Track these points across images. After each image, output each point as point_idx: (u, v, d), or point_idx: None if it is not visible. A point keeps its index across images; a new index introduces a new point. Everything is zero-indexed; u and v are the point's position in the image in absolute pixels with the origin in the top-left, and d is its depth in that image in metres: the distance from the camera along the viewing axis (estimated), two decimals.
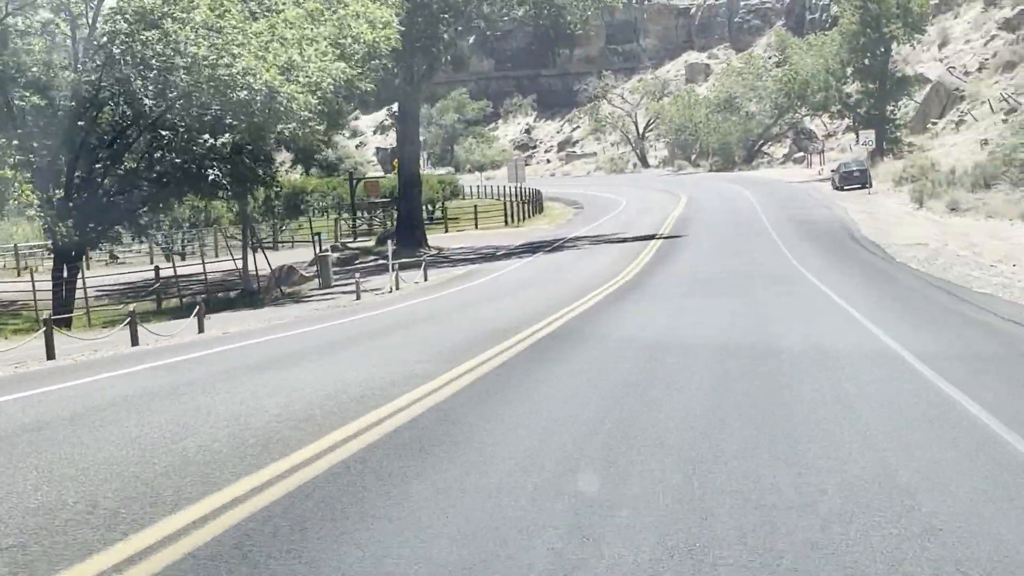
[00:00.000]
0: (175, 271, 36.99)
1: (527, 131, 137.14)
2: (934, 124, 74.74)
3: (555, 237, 44.59)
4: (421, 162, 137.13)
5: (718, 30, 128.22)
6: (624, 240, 39.40)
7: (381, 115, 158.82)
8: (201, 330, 20.14)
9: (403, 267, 35.99)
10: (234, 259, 38.08)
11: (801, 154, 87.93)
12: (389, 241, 36.69)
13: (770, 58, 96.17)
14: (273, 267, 36.78)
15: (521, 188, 71.63)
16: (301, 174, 74.14)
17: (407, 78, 44.37)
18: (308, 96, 28.23)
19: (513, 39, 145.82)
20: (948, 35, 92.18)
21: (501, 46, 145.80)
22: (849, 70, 68.87)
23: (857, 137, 69.47)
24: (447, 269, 35.16)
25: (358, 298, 26.59)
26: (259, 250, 52.07)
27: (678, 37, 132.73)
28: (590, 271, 28.53)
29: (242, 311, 27.99)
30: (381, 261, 39.21)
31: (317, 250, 40.93)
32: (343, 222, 59.88)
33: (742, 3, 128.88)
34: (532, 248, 39.93)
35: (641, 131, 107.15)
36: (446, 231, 55.28)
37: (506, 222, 57.07)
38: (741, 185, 69.12)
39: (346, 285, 32.89)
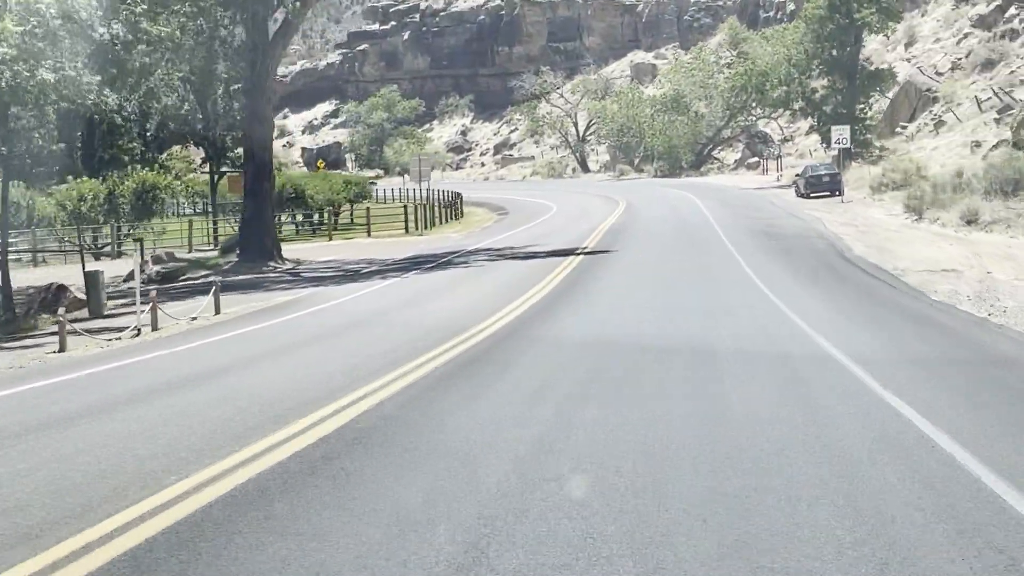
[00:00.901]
0: None
1: (463, 133, 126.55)
2: (903, 128, 65.31)
3: (453, 249, 34.06)
4: (349, 163, 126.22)
5: (666, 28, 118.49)
6: (534, 255, 28.98)
7: (312, 114, 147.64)
8: None
9: (234, 287, 25.67)
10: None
11: (755, 159, 78.18)
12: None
13: (721, 59, 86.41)
14: (43, 285, 25.98)
15: (441, 192, 61.68)
16: (219, 175, 63.20)
17: (251, 27, 33.49)
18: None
19: (451, 35, 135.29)
20: (916, 34, 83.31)
21: (437, 43, 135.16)
22: (815, 63, 59.01)
23: (827, 137, 59.60)
24: (281, 292, 24.53)
25: (61, 349, 15.92)
26: (99, 258, 42.72)
27: (624, 36, 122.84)
28: (454, 308, 18.16)
29: None
30: (214, 278, 28.53)
31: (138, 262, 29.89)
32: (211, 224, 48.99)
33: (692, 0, 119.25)
34: (413, 264, 29.40)
35: (581, 133, 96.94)
36: (330, 239, 44.53)
37: (407, 229, 46.51)
38: (689, 191, 59.06)
39: (126, 313, 22.26)
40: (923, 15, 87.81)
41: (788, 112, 63.77)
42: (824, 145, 62.61)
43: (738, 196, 52.63)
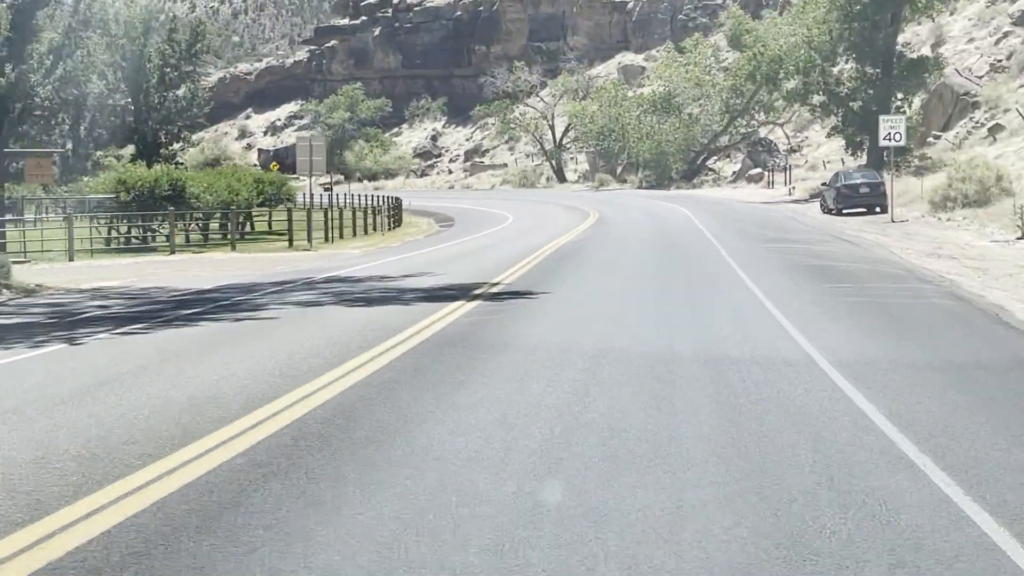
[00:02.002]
0: None
1: (433, 138, 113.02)
2: (936, 137, 52.12)
3: (297, 277, 20.43)
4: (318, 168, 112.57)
5: (658, 28, 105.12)
6: (399, 297, 15.42)
7: (276, 114, 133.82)
8: None
9: None
10: None
11: (758, 171, 64.83)
12: None
13: (720, 54, 73.14)
14: None
15: (382, 199, 49.71)
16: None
17: None
18: None
19: (425, 32, 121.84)
20: (944, 34, 70.22)
21: (410, 40, 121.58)
22: (841, 46, 45.68)
23: (853, 142, 46.35)
24: None
25: None
26: None
27: (612, 36, 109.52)
28: None
29: None
30: None
31: None
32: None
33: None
34: (178, 304, 15.87)
35: (559, 138, 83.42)
36: (171, 252, 30.79)
37: (291, 243, 32.97)
38: (680, 203, 45.70)
39: None
40: (952, 14, 74.72)
41: (807, 108, 50.19)
42: (849, 152, 49.32)
43: (746, 211, 39.25)
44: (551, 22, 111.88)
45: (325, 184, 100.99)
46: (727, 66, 69.55)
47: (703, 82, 67.36)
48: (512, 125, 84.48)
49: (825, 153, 68.28)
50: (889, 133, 31.87)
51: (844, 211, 35.46)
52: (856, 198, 35.47)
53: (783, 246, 22.45)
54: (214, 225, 41.80)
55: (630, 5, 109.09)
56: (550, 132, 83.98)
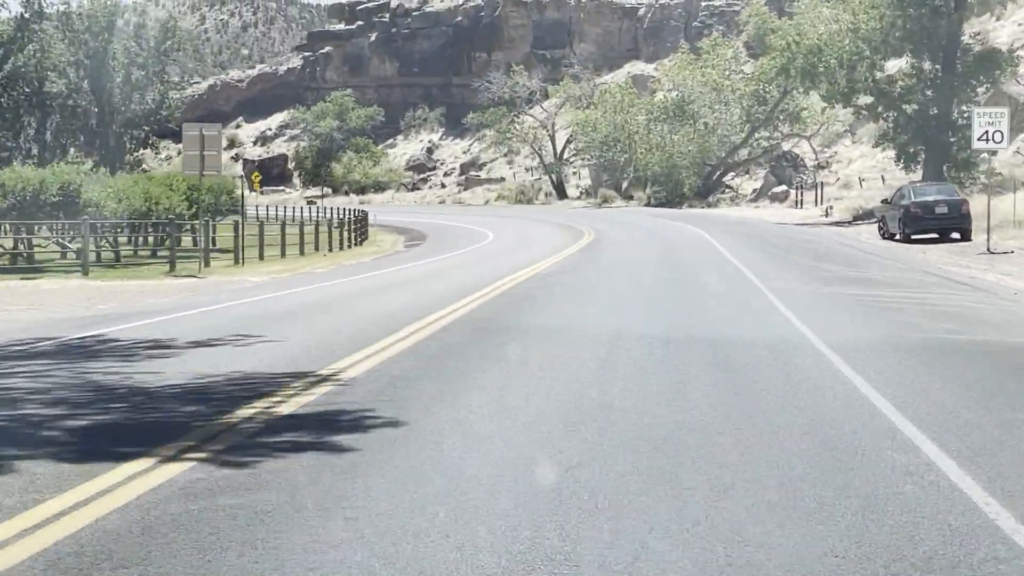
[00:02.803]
0: None
1: (429, 150, 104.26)
2: (992, 153, 43.12)
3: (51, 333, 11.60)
4: (297, 179, 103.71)
5: (671, 36, 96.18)
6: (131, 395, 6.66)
7: (267, 123, 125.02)
8: None
9: None
10: None
11: (782, 188, 55.85)
12: None
13: (740, 56, 64.41)
14: None
15: (347, 212, 41.88)
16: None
17: None
18: None
19: (424, 39, 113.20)
20: (989, 39, 61.40)
21: (408, 47, 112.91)
22: (894, 35, 36.68)
23: (906, 151, 37.54)
24: None
25: None
26: None
27: (621, 43, 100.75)
28: None
29: None
30: None
31: None
32: None
33: (703, 3, 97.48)
34: None
35: (559, 151, 74.53)
36: (31, 276, 21.88)
37: (172, 267, 24.07)
38: (695, 224, 36.80)
39: None
40: (998, 19, 65.99)
41: (840, 119, 41.12)
42: (900, 165, 40.32)
43: (781, 235, 30.22)
44: (556, 28, 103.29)
45: (309, 197, 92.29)
46: (747, 70, 60.74)
47: (721, 87, 58.49)
48: (509, 135, 75.62)
49: (858, 170, 59.37)
50: (987, 132, 22.92)
51: (913, 236, 26.53)
52: (930, 220, 26.52)
53: (872, 293, 13.50)
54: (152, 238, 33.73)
55: (641, 11, 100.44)
56: (550, 144, 75.14)
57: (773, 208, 52.97)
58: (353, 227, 40.35)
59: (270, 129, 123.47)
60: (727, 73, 59.70)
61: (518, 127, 75.77)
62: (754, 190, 59.63)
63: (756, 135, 59.42)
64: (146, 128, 60.18)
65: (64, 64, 56.77)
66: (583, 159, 70.14)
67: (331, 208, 55.08)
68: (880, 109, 39.26)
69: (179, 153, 73.00)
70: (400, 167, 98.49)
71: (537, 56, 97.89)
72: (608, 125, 60.91)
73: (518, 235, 36.80)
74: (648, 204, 59.60)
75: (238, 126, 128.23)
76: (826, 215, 40.63)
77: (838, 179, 56.00)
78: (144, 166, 65.57)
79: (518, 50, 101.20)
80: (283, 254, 30.91)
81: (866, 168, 58.81)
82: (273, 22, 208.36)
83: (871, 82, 37.26)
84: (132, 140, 61.24)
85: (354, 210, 49.41)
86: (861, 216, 36.76)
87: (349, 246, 37.32)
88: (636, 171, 61.14)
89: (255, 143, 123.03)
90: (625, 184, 64.42)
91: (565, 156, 74.75)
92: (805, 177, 57.20)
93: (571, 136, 71.99)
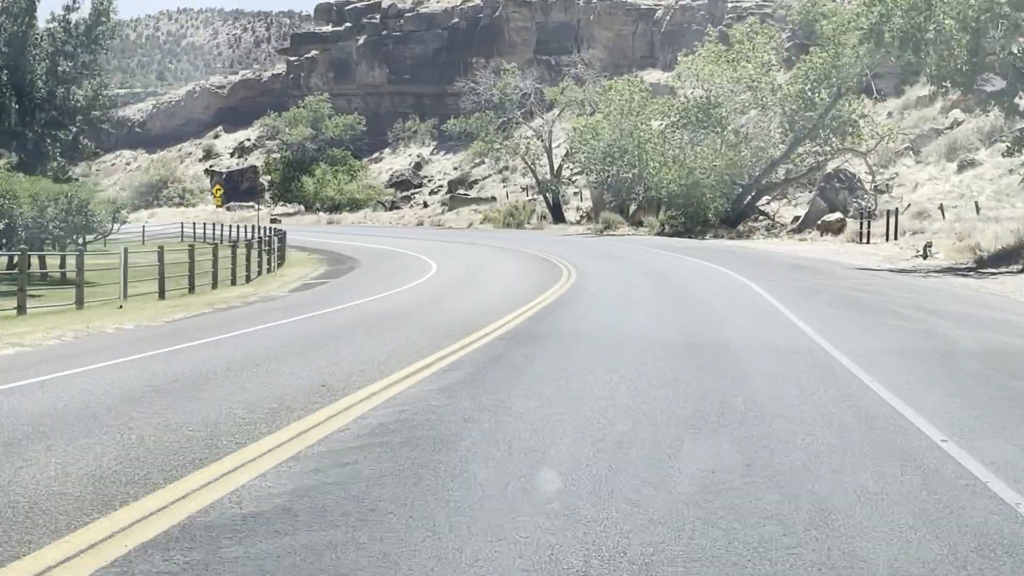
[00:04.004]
0: None
1: (416, 165, 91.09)
2: None
3: None
4: (268, 195, 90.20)
5: (691, 41, 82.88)
6: None
7: (246, 133, 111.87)
8: None
9: None
10: None
11: (836, 215, 42.27)
12: None
13: (783, 46, 51.18)
14: None
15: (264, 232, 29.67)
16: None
17: None
18: None
19: (417, 42, 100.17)
20: None
21: (399, 51, 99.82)
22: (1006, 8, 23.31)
23: None
24: None
25: None
26: None
27: (635, 50, 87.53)
28: None
29: None
30: None
31: None
32: None
33: (729, 4, 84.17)
34: None
35: (557, 166, 61.16)
36: None
37: None
38: (730, 266, 23.52)
39: None
40: None
41: (963, 97, 27.75)
42: None
43: (903, 298, 16.73)
44: (563, 32, 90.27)
45: (274, 216, 79.29)
46: (779, 79, 47.42)
47: (758, 86, 45.19)
48: (497, 146, 62.34)
49: (927, 194, 45.97)
50: None
51: None
52: None
53: None
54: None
55: (658, 13, 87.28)
56: (547, 158, 61.83)
57: (826, 242, 39.50)
58: (263, 252, 28.50)
59: (249, 140, 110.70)
60: (765, 69, 46.33)
61: (509, 137, 62.47)
62: (796, 218, 46.11)
63: (800, 148, 46.06)
64: (74, 129, 47.51)
65: None
66: (584, 174, 56.63)
67: (258, 228, 42.22)
68: (984, 102, 25.79)
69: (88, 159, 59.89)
70: (381, 183, 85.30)
71: (541, 62, 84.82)
72: (613, 131, 47.57)
73: (468, 273, 23.61)
74: (662, 232, 46.19)
75: (216, 136, 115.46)
76: (924, 256, 27.13)
77: (909, 206, 42.45)
78: (72, 175, 52.28)
79: (520, 55, 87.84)
80: (161, 292, 18.23)
81: (938, 193, 45.37)
82: (286, 38, 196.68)
83: (1009, 55, 23.80)
84: (55, 142, 48.38)
85: (267, 229, 36.67)
86: (991, 260, 23.34)
87: (249, 277, 25.04)
88: (647, 190, 47.70)
89: (232, 154, 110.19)
90: (633, 207, 50.93)
91: (564, 173, 61.38)
92: (864, 203, 43.78)
93: (570, 148, 58.53)
